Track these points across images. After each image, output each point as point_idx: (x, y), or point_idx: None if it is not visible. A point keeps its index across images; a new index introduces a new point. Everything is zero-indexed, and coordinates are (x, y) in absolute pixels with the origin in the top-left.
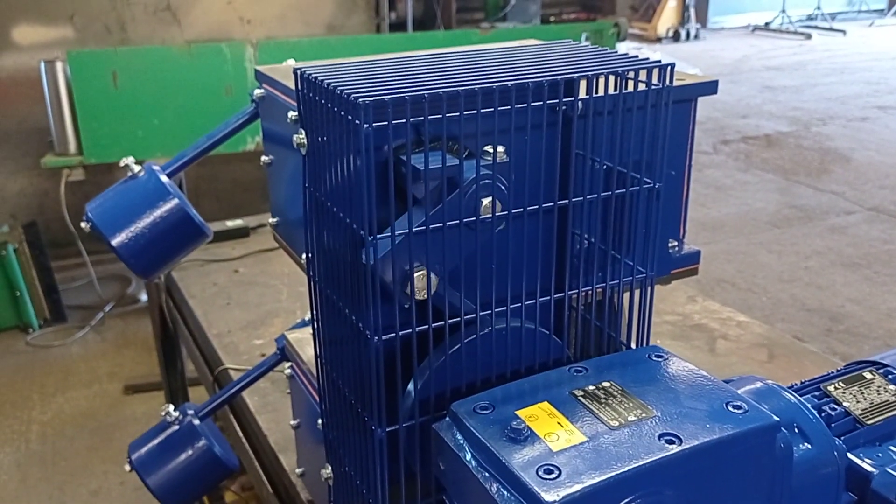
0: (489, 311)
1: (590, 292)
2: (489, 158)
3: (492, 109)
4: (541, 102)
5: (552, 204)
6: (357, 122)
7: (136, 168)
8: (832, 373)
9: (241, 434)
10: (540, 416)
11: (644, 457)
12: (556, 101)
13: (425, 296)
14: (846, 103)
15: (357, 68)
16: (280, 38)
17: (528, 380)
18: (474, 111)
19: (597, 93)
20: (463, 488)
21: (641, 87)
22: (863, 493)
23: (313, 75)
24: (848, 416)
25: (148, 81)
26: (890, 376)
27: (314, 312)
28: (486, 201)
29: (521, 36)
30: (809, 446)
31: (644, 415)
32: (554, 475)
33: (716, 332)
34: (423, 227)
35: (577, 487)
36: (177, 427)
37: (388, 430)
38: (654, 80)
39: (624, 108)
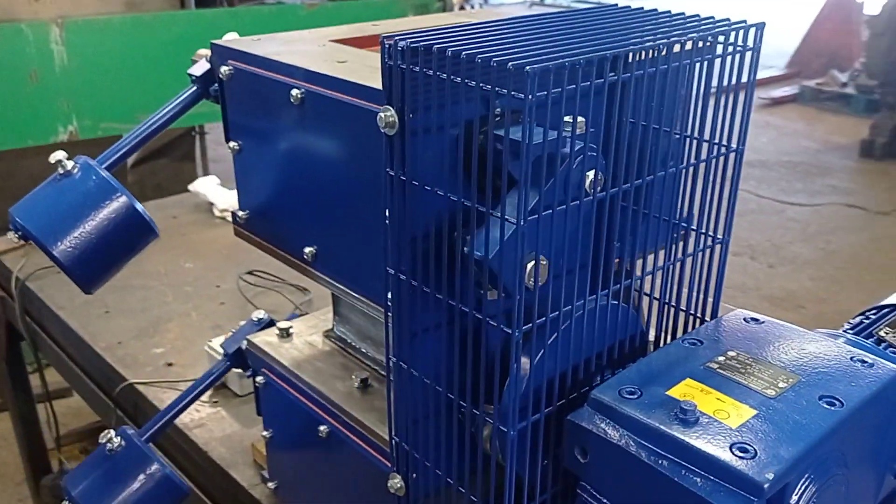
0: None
1: (662, 262)
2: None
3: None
4: (654, 68)
5: (650, 178)
6: (516, 94)
7: (70, 164)
8: (866, 319)
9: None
10: (694, 395)
11: (823, 422)
12: (677, 64)
13: (543, 281)
14: None
15: (468, 33)
16: (74, 17)
17: (649, 359)
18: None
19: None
20: (625, 479)
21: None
22: None
23: (426, 44)
24: None
25: None
26: None
27: (392, 309)
28: (590, 175)
29: (348, 10)
30: None
31: (791, 380)
32: (751, 453)
33: None
34: (536, 212)
35: (781, 462)
36: (122, 452)
37: (519, 427)
38: (741, 41)
39: (710, 72)
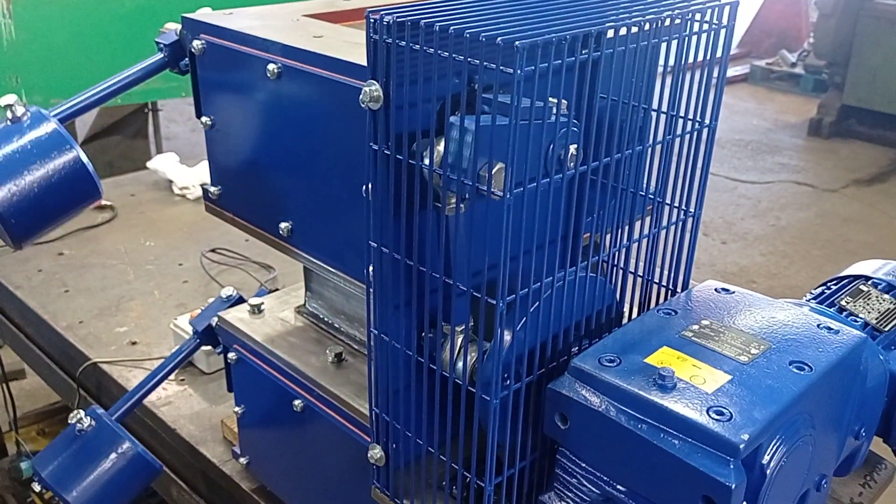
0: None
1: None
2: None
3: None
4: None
5: (629, 151)
6: (504, 68)
7: (20, 110)
8: (827, 289)
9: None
10: (671, 362)
11: (793, 386)
12: (656, 41)
13: (501, 193)
14: None
15: (453, 8)
16: None
17: (626, 329)
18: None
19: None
20: (605, 443)
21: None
22: (894, 395)
23: (413, 18)
24: (867, 326)
25: None
26: (879, 286)
27: (374, 282)
28: (572, 148)
29: None
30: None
31: (762, 346)
32: (726, 416)
33: None
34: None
35: (755, 424)
36: (92, 432)
37: (501, 395)
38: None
39: (687, 49)
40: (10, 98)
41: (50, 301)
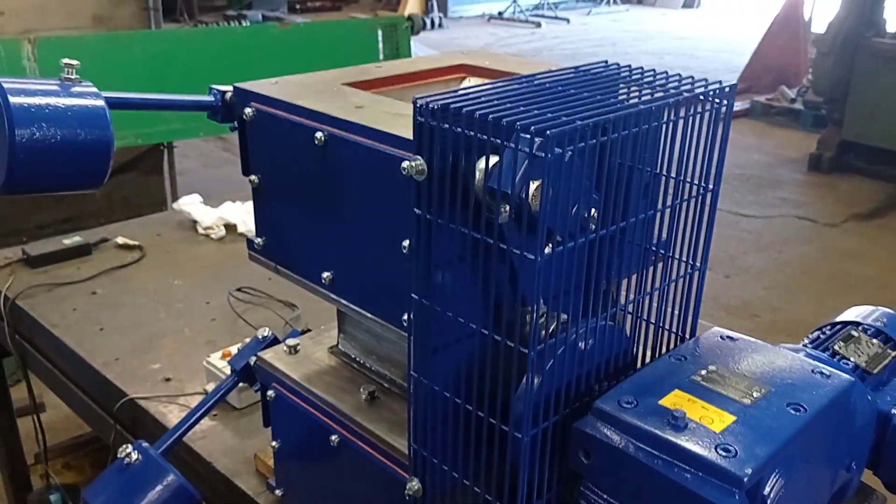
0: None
1: (647, 287)
2: None
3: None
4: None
5: (643, 216)
6: (537, 153)
7: (76, 76)
8: (823, 334)
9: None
10: (683, 404)
11: (790, 425)
12: (666, 122)
13: (538, 206)
14: None
15: (488, 97)
16: (41, 30)
17: (641, 373)
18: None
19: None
20: (625, 477)
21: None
22: (883, 432)
23: (455, 106)
24: (858, 368)
25: None
26: (869, 332)
27: (414, 329)
28: (593, 212)
29: (320, 29)
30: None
31: (763, 390)
32: (732, 453)
33: None
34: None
35: (758, 460)
36: (139, 464)
37: (532, 433)
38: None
39: (693, 125)
40: (74, 61)
41: (86, 339)
